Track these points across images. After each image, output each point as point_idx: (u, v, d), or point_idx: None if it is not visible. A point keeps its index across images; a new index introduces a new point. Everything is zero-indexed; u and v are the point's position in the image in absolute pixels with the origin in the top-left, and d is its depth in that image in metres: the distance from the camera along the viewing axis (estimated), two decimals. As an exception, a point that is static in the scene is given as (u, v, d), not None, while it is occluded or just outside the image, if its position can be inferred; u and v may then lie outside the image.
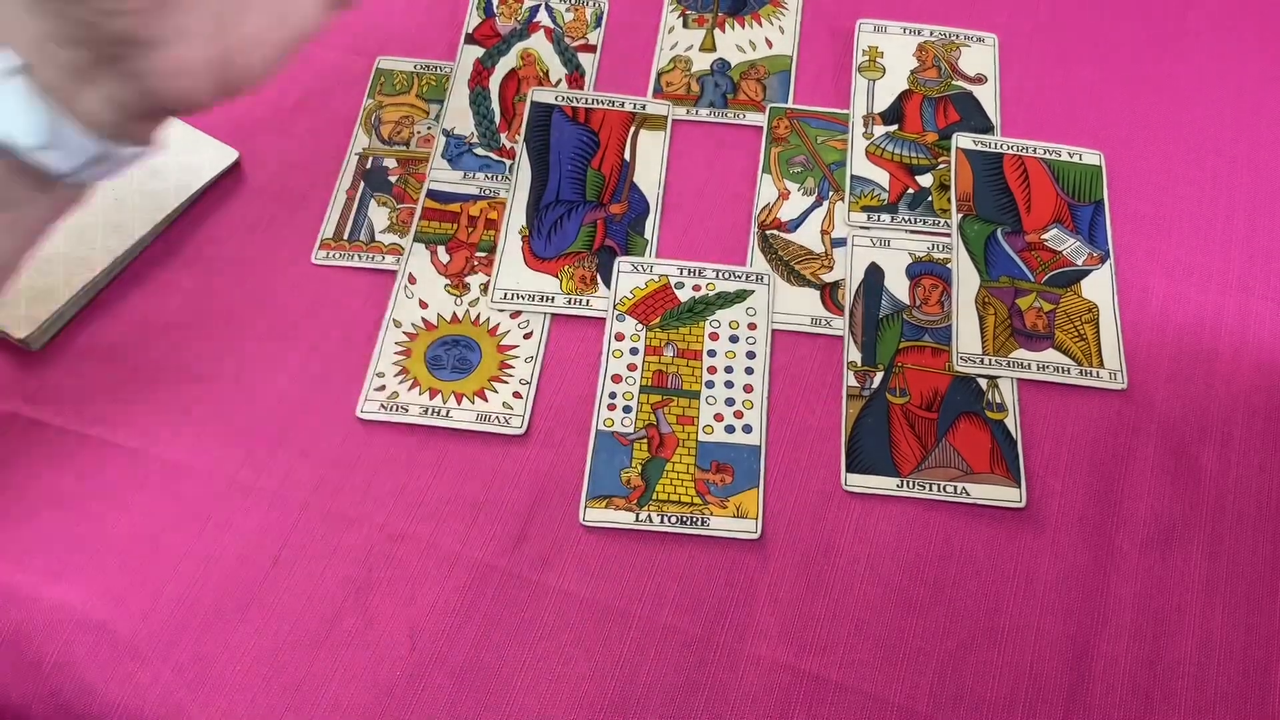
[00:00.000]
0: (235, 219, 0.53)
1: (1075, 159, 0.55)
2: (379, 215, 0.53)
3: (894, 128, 0.56)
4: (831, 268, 0.52)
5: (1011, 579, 0.44)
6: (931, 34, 0.59)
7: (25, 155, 0.34)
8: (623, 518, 0.45)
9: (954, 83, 0.58)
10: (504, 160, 0.55)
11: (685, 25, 0.60)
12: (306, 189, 0.54)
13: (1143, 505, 0.46)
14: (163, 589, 0.43)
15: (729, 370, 0.49)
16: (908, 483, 0.46)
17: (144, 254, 0.52)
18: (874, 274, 0.51)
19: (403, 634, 0.42)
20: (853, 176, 0.54)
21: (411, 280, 0.51)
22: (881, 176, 0.54)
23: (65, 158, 0.34)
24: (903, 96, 0.57)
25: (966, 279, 0.51)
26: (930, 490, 0.46)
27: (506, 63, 0.59)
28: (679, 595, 0.43)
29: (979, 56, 0.59)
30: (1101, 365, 0.49)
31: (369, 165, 0.55)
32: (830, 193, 0.54)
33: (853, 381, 0.48)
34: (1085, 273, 0.51)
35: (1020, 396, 0.48)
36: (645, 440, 0.47)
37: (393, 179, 0.54)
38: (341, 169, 0.55)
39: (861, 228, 0.53)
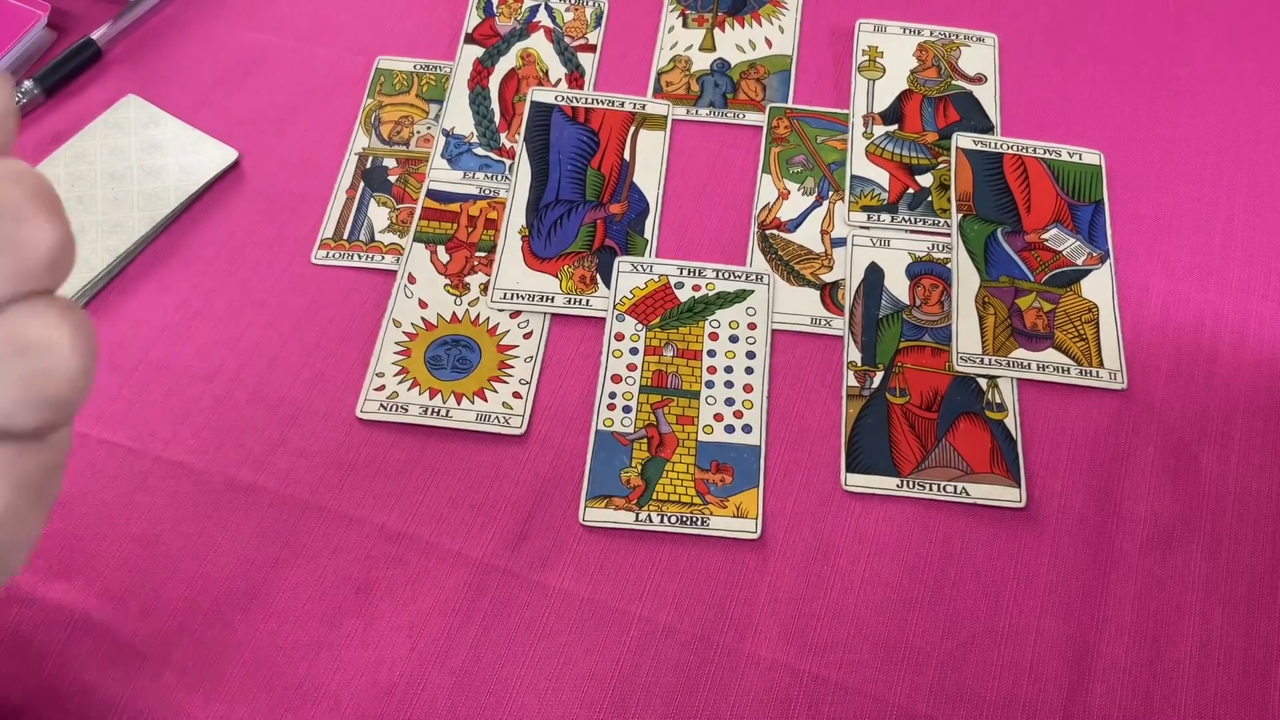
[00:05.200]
0: (235, 219, 0.53)
1: (1075, 159, 0.55)
2: (379, 215, 0.53)
3: (894, 127, 0.56)
4: (831, 268, 0.52)
5: (1011, 579, 0.44)
6: (931, 34, 0.59)
7: None
8: (623, 518, 0.45)
9: (954, 82, 0.58)
10: (504, 160, 0.55)
11: (685, 25, 0.60)
12: (306, 189, 0.54)
13: (1143, 505, 0.46)
14: (162, 589, 0.43)
15: (729, 370, 0.49)
16: (908, 483, 0.46)
17: (144, 254, 0.52)
18: (874, 274, 0.51)
19: (403, 634, 0.42)
20: (853, 176, 0.54)
21: (411, 280, 0.51)
22: (881, 176, 0.54)
23: None
24: (903, 96, 0.57)
25: (966, 279, 0.51)
26: (930, 490, 0.46)
27: (506, 62, 0.59)
28: (679, 595, 0.43)
29: (979, 56, 0.59)
30: (1101, 365, 0.49)
31: (369, 165, 0.55)
32: (830, 192, 0.54)
33: (853, 381, 0.48)
34: (1085, 273, 0.51)
35: (1020, 396, 0.48)
36: (645, 440, 0.47)
37: (392, 179, 0.54)
38: (341, 169, 0.55)
39: (861, 227, 0.53)
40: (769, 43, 0.59)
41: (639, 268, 0.51)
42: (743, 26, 0.60)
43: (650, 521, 0.45)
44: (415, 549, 0.44)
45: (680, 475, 0.46)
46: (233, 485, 0.45)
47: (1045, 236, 0.52)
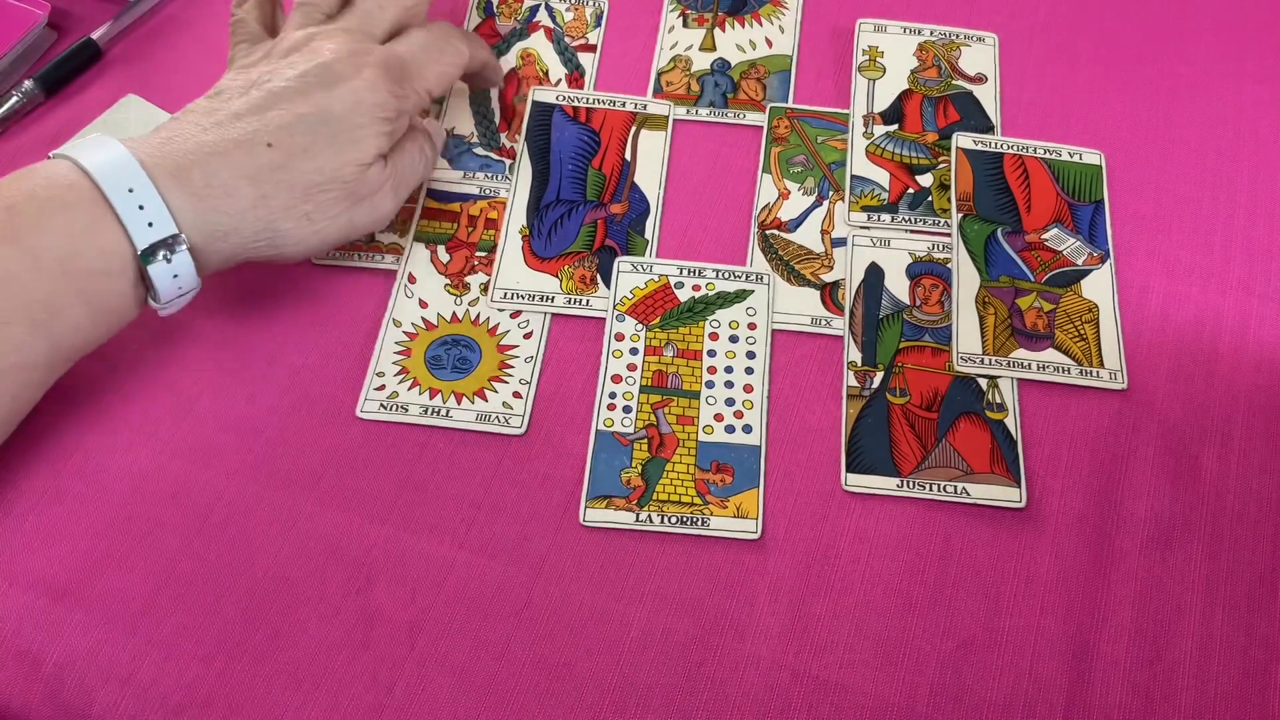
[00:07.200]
0: (235, 219, 0.53)
1: (1075, 159, 0.55)
2: (379, 215, 0.53)
3: (894, 127, 0.56)
4: (831, 268, 0.52)
5: (1011, 579, 0.44)
6: (931, 33, 0.59)
7: (158, 302, 0.42)
8: (623, 518, 0.45)
9: (954, 82, 0.58)
10: (504, 160, 0.55)
11: (685, 25, 0.60)
12: (306, 189, 0.54)
13: (1143, 505, 0.46)
14: (162, 589, 0.43)
15: (729, 370, 0.49)
16: (908, 483, 0.46)
17: (144, 254, 0.51)
18: (874, 274, 0.51)
19: (402, 633, 0.42)
20: (853, 176, 0.54)
21: (411, 280, 0.51)
22: (881, 176, 0.54)
23: (179, 299, 0.44)
24: (903, 96, 0.57)
25: (966, 279, 0.51)
26: (930, 490, 0.46)
27: (506, 62, 0.59)
28: (679, 595, 0.43)
29: (979, 56, 0.59)
30: (1101, 365, 0.49)
31: (369, 165, 0.55)
32: (830, 192, 0.54)
33: (853, 381, 0.48)
34: (1085, 273, 0.51)
35: (1020, 396, 0.48)
36: (645, 440, 0.47)
37: (393, 179, 0.54)
38: (341, 169, 0.54)
39: (861, 227, 0.53)
40: (769, 42, 0.59)
41: (639, 268, 0.51)
42: (743, 26, 0.60)
43: (650, 522, 0.45)
44: (415, 549, 0.44)
45: (680, 475, 0.46)
46: (232, 484, 0.45)
47: (1045, 236, 0.52)
